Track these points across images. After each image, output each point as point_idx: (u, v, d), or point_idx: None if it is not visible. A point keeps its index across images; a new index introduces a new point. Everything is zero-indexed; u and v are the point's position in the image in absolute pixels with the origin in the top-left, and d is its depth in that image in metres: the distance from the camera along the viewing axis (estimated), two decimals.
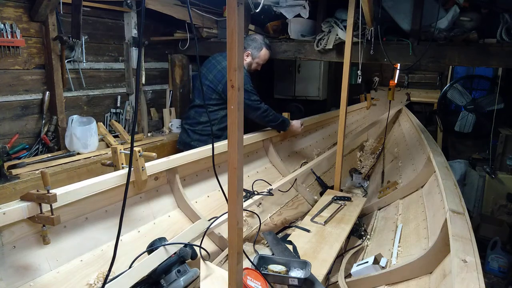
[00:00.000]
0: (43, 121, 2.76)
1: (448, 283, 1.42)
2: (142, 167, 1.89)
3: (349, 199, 2.66)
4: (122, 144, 2.95)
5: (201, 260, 1.65)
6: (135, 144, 1.91)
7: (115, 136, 3.12)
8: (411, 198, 2.58)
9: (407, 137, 3.64)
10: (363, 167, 3.94)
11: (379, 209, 2.81)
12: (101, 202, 1.79)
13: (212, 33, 3.65)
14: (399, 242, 2.12)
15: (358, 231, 2.48)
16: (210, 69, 2.85)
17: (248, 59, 2.93)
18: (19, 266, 1.45)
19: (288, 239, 2.12)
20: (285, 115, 3.15)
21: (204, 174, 2.46)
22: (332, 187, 3.02)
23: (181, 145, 3.02)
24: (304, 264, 1.75)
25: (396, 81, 5.13)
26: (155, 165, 2.01)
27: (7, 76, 2.53)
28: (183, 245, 1.62)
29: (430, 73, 5.36)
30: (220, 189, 1.46)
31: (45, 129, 2.77)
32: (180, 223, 2.11)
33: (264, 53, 2.94)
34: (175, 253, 1.58)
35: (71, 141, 2.73)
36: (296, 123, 3.11)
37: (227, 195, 1.19)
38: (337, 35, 3.01)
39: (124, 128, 3.31)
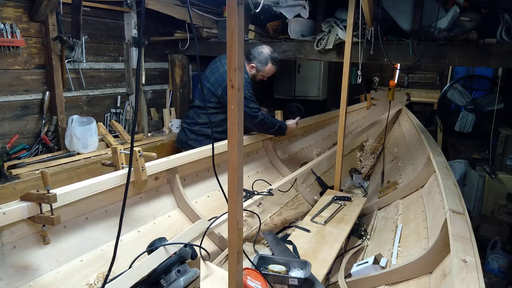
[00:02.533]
0: (43, 121, 2.76)
1: (448, 283, 1.42)
2: (142, 167, 1.89)
3: (349, 199, 2.66)
4: (122, 144, 2.95)
5: (201, 260, 1.65)
6: (135, 144, 1.91)
7: (115, 136, 3.12)
8: (411, 198, 2.58)
9: (407, 137, 3.63)
10: (363, 167, 3.94)
11: (379, 209, 2.81)
12: (101, 202, 1.80)
13: (212, 33, 3.65)
14: (399, 242, 2.12)
15: (358, 231, 2.48)
16: (213, 71, 2.83)
17: (252, 71, 2.87)
18: (19, 266, 1.45)
19: (288, 239, 2.12)
20: (278, 113, 3.13)
21: (204, 174, 2.46)
22: (332, 187, 3.01)
23: (178, 143, 3.03)
24: (304, 264, 1.75)
25: (396, 81, 5.13)
26: (155, 165, 2.01)
27: (7, 76, 2.53)
28: (183, 245, 1.62)
29: (430, 73, 5.36)
30: (220, 189, 1.46)
31: (45, 129, 2.77)
32: (180, 223, 2.11)
33: (269, 68, 2.86)
34: (175, 253, 1.58)
35: (71, 141, 2.73)
36: (291, 123, 3.09)
37: (227, 195, 1.19)
38: (337, 35, 3.01)
39: (124, 128, 3.31)
